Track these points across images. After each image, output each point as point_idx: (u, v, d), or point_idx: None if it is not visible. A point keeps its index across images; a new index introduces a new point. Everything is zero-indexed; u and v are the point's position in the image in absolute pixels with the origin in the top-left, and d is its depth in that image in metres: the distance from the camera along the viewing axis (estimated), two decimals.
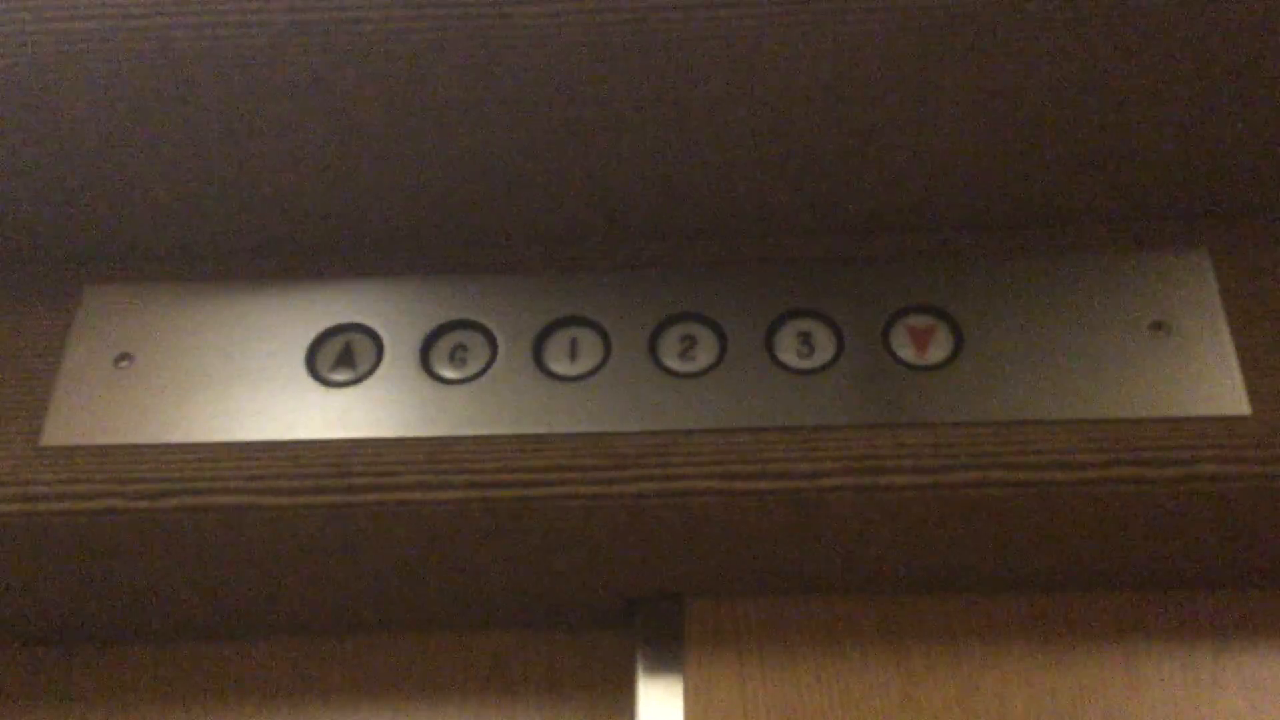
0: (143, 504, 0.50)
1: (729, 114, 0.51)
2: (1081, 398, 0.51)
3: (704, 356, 0.53)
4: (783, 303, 0.54)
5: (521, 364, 0.53)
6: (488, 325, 0.54)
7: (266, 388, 0.53)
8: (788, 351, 0.53)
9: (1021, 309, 0.53)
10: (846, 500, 0.49)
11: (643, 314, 0.54)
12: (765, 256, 0.55)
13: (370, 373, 0.54)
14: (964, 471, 0.49)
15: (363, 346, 0.55)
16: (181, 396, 0.53)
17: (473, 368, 0.54)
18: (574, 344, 0.54)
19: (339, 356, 0.54)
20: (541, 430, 0.51)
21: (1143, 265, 0.54)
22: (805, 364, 0.52)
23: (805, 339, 0.53)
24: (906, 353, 0.52)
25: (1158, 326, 0.52)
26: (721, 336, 0.53)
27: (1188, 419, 0.50)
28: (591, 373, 0.53)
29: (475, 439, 0.51)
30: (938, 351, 0.52)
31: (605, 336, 0.54)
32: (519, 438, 0.51)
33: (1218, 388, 0.50)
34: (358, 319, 0.55)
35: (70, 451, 0.52)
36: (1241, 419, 0.50)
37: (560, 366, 0.53)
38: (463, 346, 0.54)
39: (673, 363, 0.53)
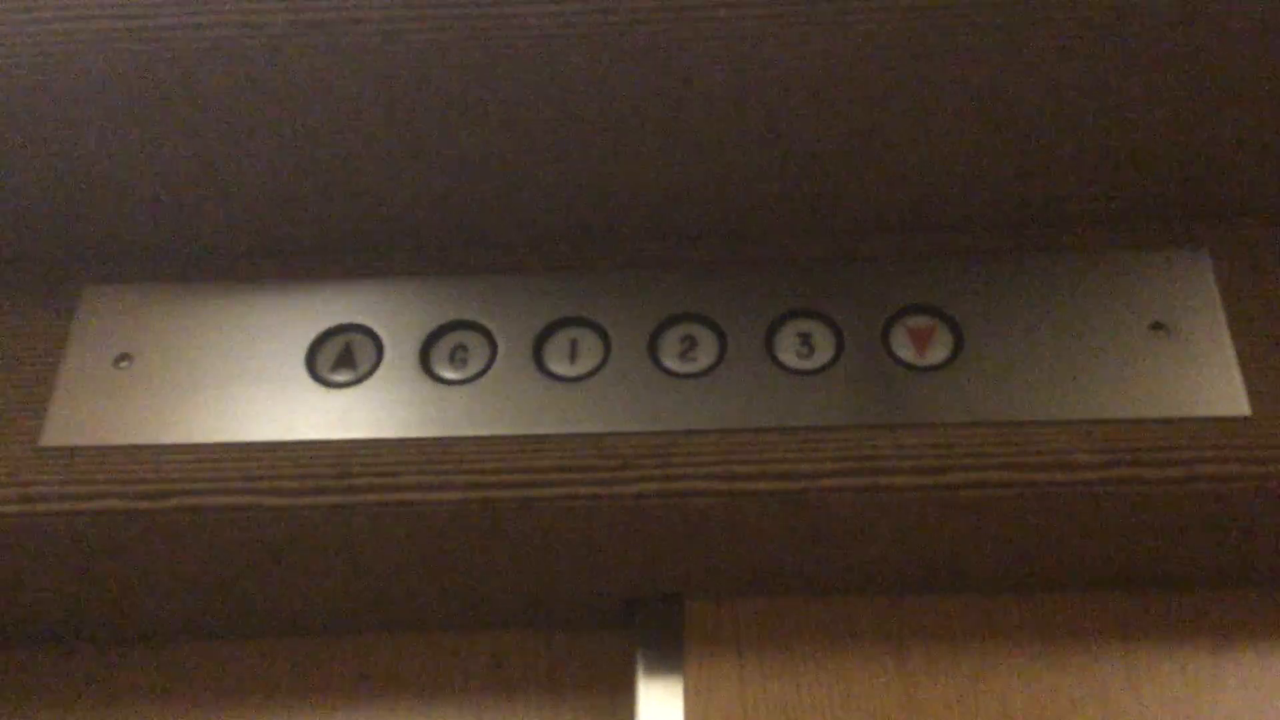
0: (142, 504, 0.50)
1: (729, 114, 0.51)
2: (1081, 398, 0.51)
3: (704, 357, 0.53)
4: (782, 303, 0.54)
5: (521, 364, 0.53)
6: (488, 326, 0.54)
7: (266, 388, 0.53)
8: (787, 352, 0.53)
9: (1021, 309, 0.53)
10: (846, 500, 0.49)
11: (643, 314, 0.54)
12: (765, 257, 0.55)
13: (370, 373, 0.54)
14: (964, 472, 0.49)
15: (363, 347, 0.55)
16: (181, 397, 0.53)
17: (473, 368, 0.54)
18: (574, 344, 0.54)
19: (339, 357, 0.54)
20: (541, 431, 0.51)
21: (1143, 265, 0.54)
22: (805, 364, 0.52)
23: (805, 339, 0.53)
24: (906, 353, 0.52)
25: (1158, 327, 0.52)
26: (721, 337, 0.53)
27: (1187, 419, 0.50)
28: (591, 373, 0.53)
29: (475, 439, 0.51)
30: (937, 352, 0.52)
31: (605, 337, 0.54)
32: (519, 438, 0.51)
33: (1217, 388, 0.50)
34: (358, 319, 0.55)
35: (70, 452, 0.52)
36: (1241, 419, 0.50)
37: (560, 367, 0.53)
38: (463, 347, 0.54)
39: (673, 363, 0.53)
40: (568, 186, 0.54)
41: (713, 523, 0.51)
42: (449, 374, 0.54)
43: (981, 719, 0.52)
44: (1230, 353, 0.51)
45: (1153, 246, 0.54)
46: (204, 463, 0.51)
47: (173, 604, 0.56)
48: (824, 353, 0.53)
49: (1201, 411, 0.50)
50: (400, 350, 0.54)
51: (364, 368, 0.54)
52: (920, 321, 0.53)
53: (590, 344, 0.54)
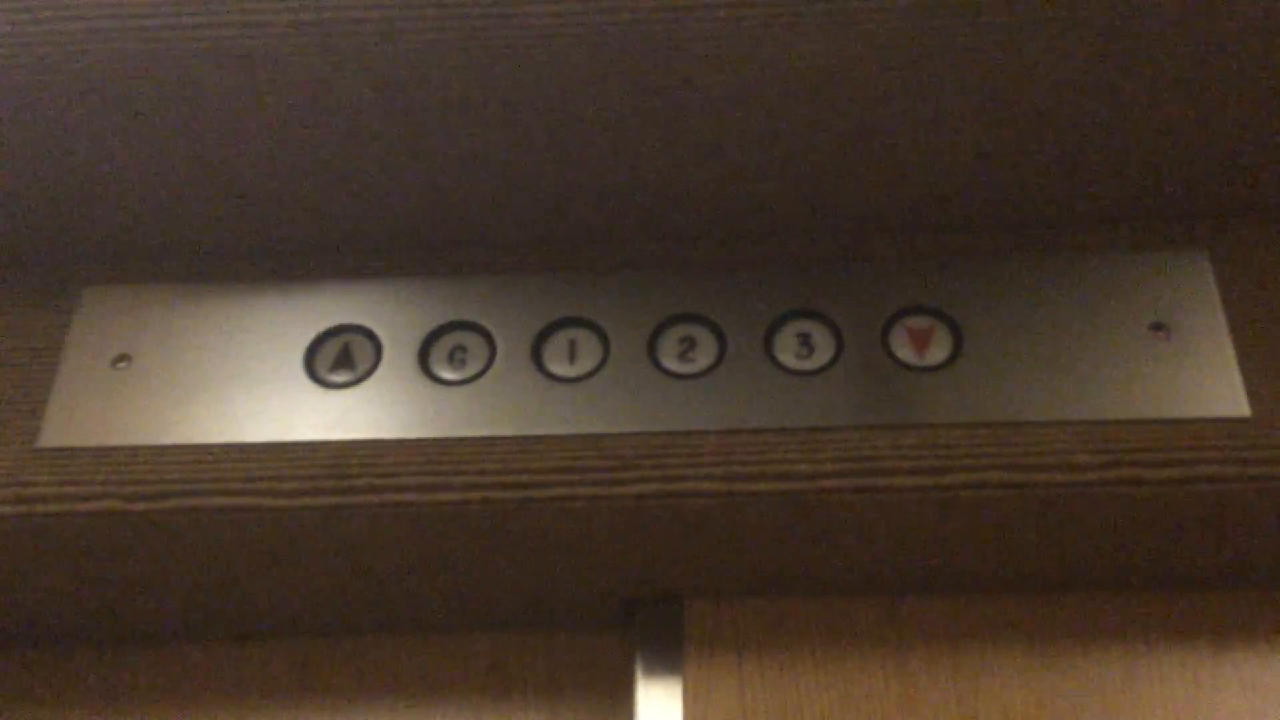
0: (141, 505, 0.50)
1: (728, 114, 0.51)
2: (1081, 399, 0.51)
3: (703, 358, 0.53)
4: (782, 303, 0.54)
5: (520, 365, 0.53)
6: (486, 326, 0.54)
7: (265, 389, 0.53)
8: (787, 352, 0.53)
9: (1021, 310, 0.53)
10: (846, 501, 0.49)
11: (642, 315, 0.54)
12: (764, 257, 0.55)
13: (369, 374, 0.54)
14: (963, 473, 0.49)
15: (361, 347, 0.54)
16: (180, 398, 0.53)
17: (471, 369, 0.53)
18: (573, 345, 0.54)
19: (337, 357, 0.54)
20: (540, 431, 0.51)
21: (1142, 266, 0.54)
22: (804, 365, 0.52)
23: (804, 340, 0.53)
24: (906, 353, 0.52)
25: (1157, 327, 0.52)
26: (721, 337, 0.53)
27: (1187, 420, 0.50)
28: (590, 374, 0.53)
29: (474, 440, 0.51)
30: (937, 352, 0.52)
31: (604, 337, 0.54)
32: (518, 439, 0.51)
33: (1217, 389, 0.50)
34: (356, 320, 0.55)
35: (68, 453, 0.52)
36: (1241, 420, 0.50)
37: (559, 368, 0.53)
38: (461, 347, 0.54)
39: (672, 364, 0.53)
40: (567, 186, 0.54)
41: (712, 524, 0.51)
42: (448, 374, 0.53)
43: None
44: (1230, 353, 0.51)
45: (1153, 247, 0.54)
46: (202, 463, 0.51)
47: (171, 605, 0.56)
48: (823, 353, 0.53)
49: (1201, 412, 0.50)
50: (399, 351, 0.54)
51: (362, 368, 0.54)
52: (920, 322, 0.53)
53: (589, 344, 0.54)
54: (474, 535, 0.51)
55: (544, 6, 0.49)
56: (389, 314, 0.55)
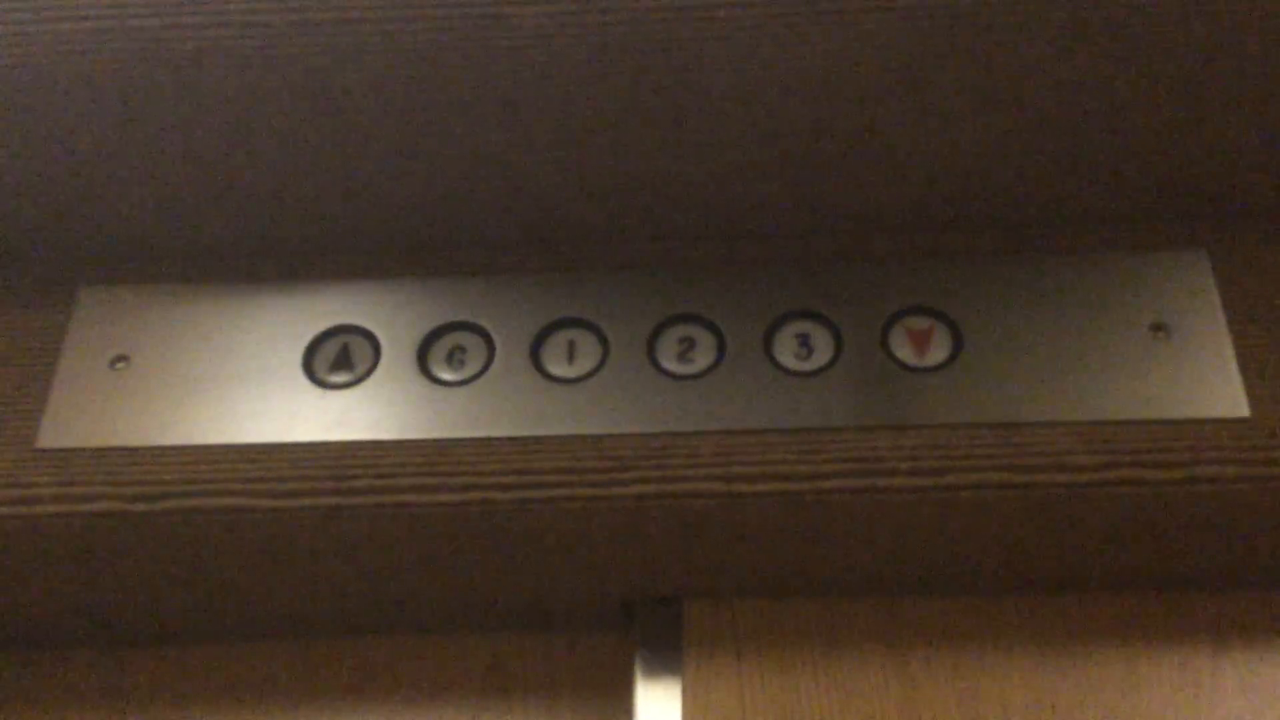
0: (139, 506, 0.50)
1: (727, 114, 0.51)
2: (1080, 399, 0.51)
3: (702, 358, 0.53)
4: (781, 304, 0.54)
5: (519, 366, 0.53)
6: (485, 327, 0.54)
7: (263, 390, 0.53)
8: (786, 353, 0.53)
9: (1020, 310, 0.53)
10: (845, 502, 0.49)
11: (641, 316, 0.54)
12: (764, 258, 0.55)
13: (367, 374, 0.54)
14: (963, 473, 0.49)
15: (360, 348, 0.54)
16: (178, 398, 0.53)
17: (470, 369, 0.53)
18: (572, 346, 0.54)
19: (336, 358, 0.54)
20: (539, 432, 0.51)
21: (1142, 266, 0.54)
22: (804, 365, 0.52)
23: (804, 340, 0.53)
24: (905, 354, 0.52)
25: (1157, 328, 0.52)
26: (720, 338, 0.53)
27: (1187, 421, 0.50)
28: (589, 375, 0.53)
29: (473, 441, 0.51)
30: (936, 353, 0.52)
31: (603, 338, 0.54)
32: (517, 440, 0.51)
33: (1217, 389, 0.50)
34: (355, 320, 0.55)
35: (66, 454, 0.52)
36: (1241, 420, 0.50)
37: (558, 368, 0.53)
38: (460, 348, 0.54)
39: (671, 364, 0.53)
40: (567, 186, 0.54)
41: (711, 524, 0.50)
42: (446, 375, 0.53)
43: None
44: (1230, 353, 0.51)
45: (1152, 247, 0.54)
46: (201, 464, 0.51)
47: (169, 605, 0.56)
48: (823, 354, 0.53)
49: (1201, 413, 0.50)
50: (398, 351, 0.54)
51: (361, 369, 0.54)
52: (919, 322, 0.53)
53: (588, 345, 0.54)
54: (473, 536, 0.51)
55: (544, 6, 0.49)
56: (388, 314, 0.55)
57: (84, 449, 0.52)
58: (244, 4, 0.50)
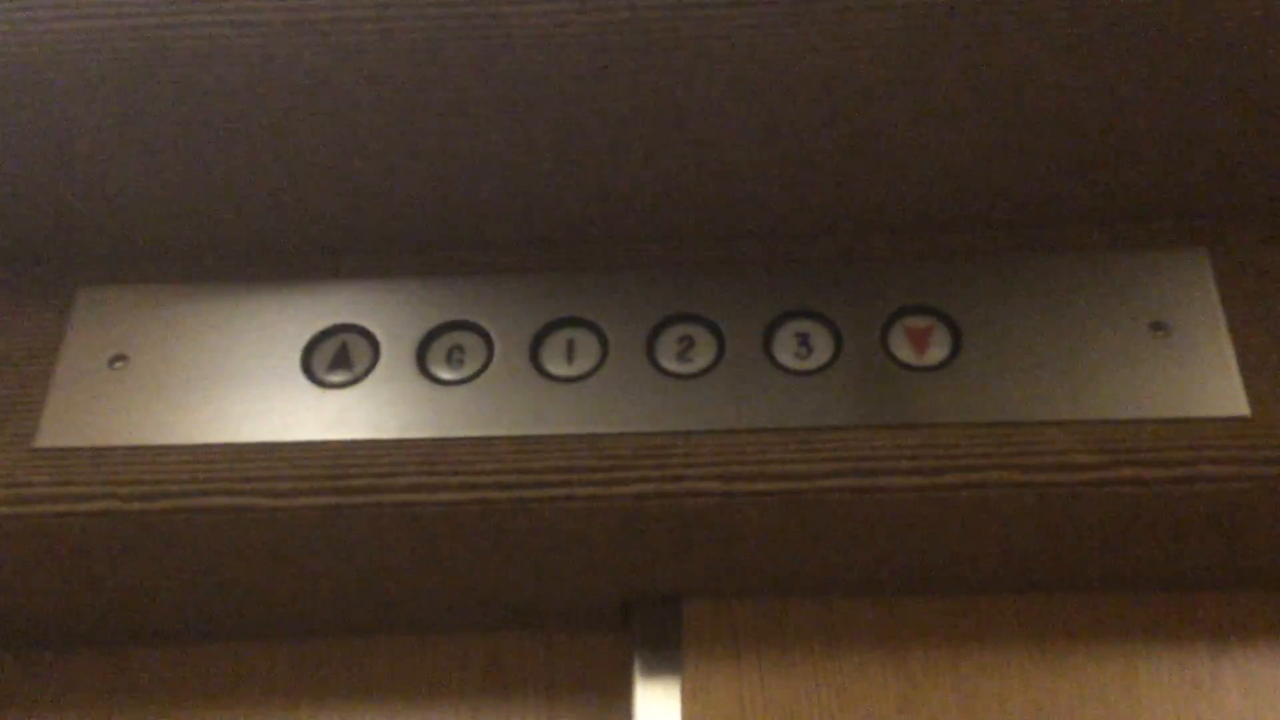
0: (137, 506, 0.50)
1: (727, 114, 0.51)
2: (1080, 398, 0.51)
3: (702, 357, 0.53)
4: (781, 303, 0.54)
5: (518, 365, 0.53)
6: (484, 326, 0.54)
7: (262, 389, 0.53)
8: (786, 352, 0.53)
9: (1020, 309, 0.53)
10: (845, 501, 0.49)
11: (640, 315, 0.54)
12: (763, 257, 0.55)
13: (366, 374, 0.54)
14: (962, 473, 0.49)
15: (359, 347, 0.54)
16: (177, 398, 0.53)
17: (469, 369, 0.53)
18: (571, 345, 0.54)
19: (335, 357, 0.54)
20: (538, 432, 0.51)
21: (1142, 266, 0.54)
22: (803, 365, 0.52)
23: (803, 340, 0.53)
24: (905, 353, 0.52)
25: (1157, 327, 0.52)
26: (719, 337, 0.53)
27: (1187, 420, 0.50)
28: (588, 374, 0.53)
29: (472, 440, 0.51)
30: (936, 352, 0.52)
31: (602, 337, 0.54)
32: (516, 439, 0.51)
33: (1217, 388, 0.50)
34: (353, 320, 0.55)
35: (65, 453, 0.52)
36: (1241, 420, 0.50)
37: (557, 368, 0.53)
38: (459, 347, 0.54)
39: (670, 364, 0.53)
40: (566, 186, 0.54)
41: (711, 524, 0.50)
42: (445, 375, 0.53)
43: None
44: (1230, 353, 0.51)
45: (1153, 246, 0.54)
46: (199, 464, 0.51)
47: (169, 605, 0.56)
48: (822, 353, 0.53)
49: (1201, 412, 0.50)
50: (396, 351, 0.54)
51: (360, 368, 0.54)
52: (919, 321, 0.53)
53: (587, 344, 0.54)
54: (472, 535, 0.51)
55: (543, 6, 0.49)
56: (386, 314, 0.55)
57: (83, 449, 0.52)
58: (243, 3, 0.49)
